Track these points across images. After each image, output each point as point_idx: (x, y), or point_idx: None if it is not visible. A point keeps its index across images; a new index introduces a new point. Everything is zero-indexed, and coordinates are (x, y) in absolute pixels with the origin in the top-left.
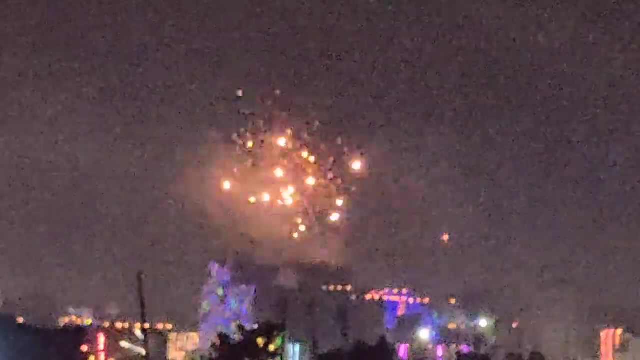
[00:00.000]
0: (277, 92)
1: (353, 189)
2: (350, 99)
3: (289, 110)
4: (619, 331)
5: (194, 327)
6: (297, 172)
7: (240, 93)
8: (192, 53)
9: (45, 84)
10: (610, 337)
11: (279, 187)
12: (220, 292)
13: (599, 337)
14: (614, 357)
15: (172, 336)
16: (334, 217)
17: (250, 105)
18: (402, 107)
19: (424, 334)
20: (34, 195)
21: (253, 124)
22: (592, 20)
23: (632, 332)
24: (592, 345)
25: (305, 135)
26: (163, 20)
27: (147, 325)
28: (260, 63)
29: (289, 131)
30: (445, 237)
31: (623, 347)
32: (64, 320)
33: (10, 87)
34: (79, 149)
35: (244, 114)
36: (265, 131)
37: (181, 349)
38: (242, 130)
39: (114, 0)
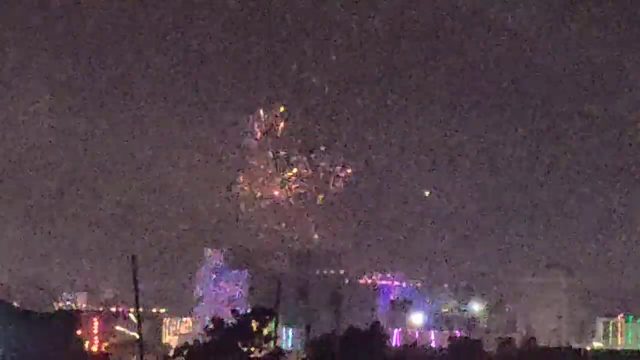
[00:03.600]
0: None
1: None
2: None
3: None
4: (620, 317)
5: (188, 311)
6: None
7: None
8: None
9: (37, 73)
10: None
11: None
12: (213, 277)
13: (599, 323)
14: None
15: (166, 320)
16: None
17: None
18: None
19: (417, 318)
20: (26, 181)
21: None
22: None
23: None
24: (586, 330)
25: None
26: (151, 15)
27: (141, 310)
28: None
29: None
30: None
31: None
32: (58, 305)
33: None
34: (71, 135)
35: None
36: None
37: (175, 333)
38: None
39: None
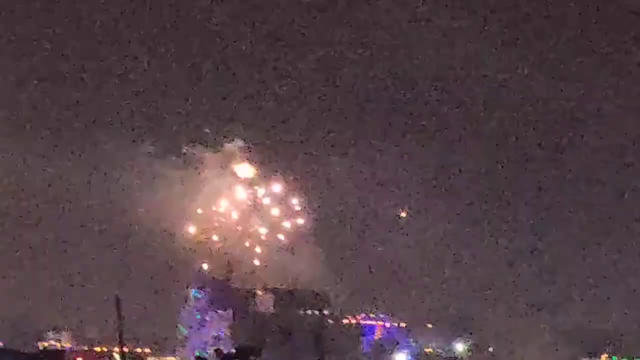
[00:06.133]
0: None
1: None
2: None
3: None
4: (604, 357)
5: (172, 351)
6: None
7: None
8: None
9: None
10: None
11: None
12: (197, 317)
13: None
14: None
15: None
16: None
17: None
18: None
19: (400, 358)
20: (10, 219)
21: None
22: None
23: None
24: None
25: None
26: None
27: (125, 349)
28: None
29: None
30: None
31: None
32: (42, 345)
33: None
34: (52, 171)
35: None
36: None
37: None
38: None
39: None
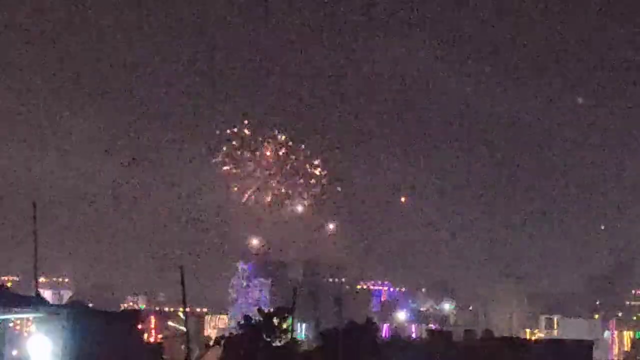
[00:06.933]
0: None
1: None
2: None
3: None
4: (558, 316)
5: (224, 310)
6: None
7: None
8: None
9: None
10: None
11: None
12: (244, 283)
13: (541, 319)
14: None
15: (207, 317)
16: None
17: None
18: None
19: (401, 315)
20: (101, 206)
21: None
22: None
23: (562, 314)
24: (531, 324)
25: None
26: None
27: (187, 309)
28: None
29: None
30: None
31: None
32: (123, 306)
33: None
34: (130, 166)
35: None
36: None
37: (214, 327)
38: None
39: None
